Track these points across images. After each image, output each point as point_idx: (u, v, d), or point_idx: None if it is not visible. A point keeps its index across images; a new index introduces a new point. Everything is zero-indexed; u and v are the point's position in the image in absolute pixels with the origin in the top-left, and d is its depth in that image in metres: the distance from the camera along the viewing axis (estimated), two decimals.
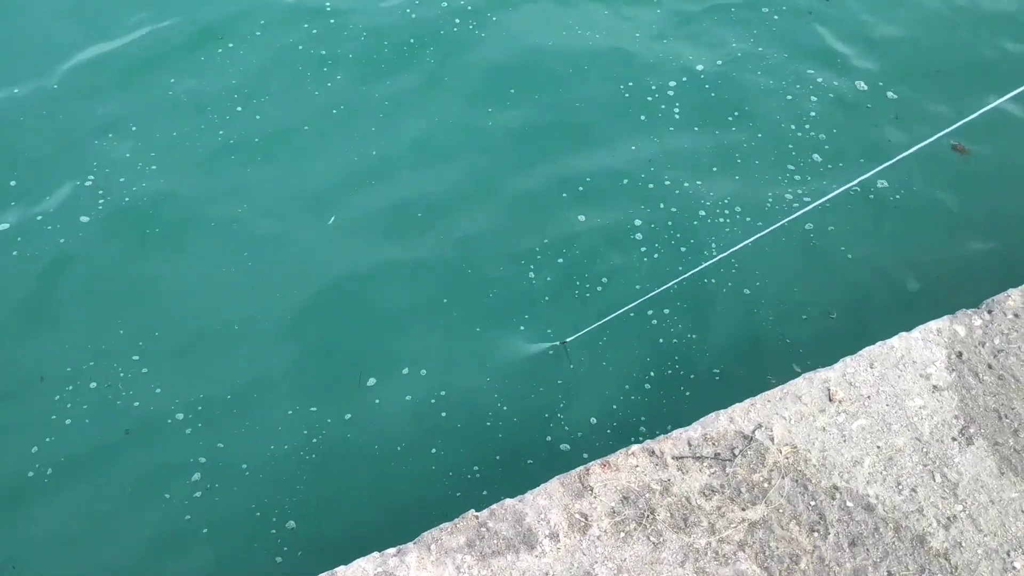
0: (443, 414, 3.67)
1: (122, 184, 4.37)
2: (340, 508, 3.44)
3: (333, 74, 4.90)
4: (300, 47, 5.01)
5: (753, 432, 2.83)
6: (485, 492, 3.45)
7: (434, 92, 4.83)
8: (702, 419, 2.88)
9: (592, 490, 2.72)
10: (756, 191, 4.42)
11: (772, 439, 2.81)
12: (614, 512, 2.67)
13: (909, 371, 2.98)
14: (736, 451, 2.79)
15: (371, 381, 3.76)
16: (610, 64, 5.00)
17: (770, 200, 4.38)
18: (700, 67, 5.01)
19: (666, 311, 3.97)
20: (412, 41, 5.08)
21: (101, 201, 4.31)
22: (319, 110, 4.71)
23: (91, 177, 4.39)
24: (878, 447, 2.80)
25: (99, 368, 3.76)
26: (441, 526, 2.66)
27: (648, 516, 2.66)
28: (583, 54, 5.05)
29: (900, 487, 2.72)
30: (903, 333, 3.08)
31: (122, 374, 3.74)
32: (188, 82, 4.81)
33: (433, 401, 3.70)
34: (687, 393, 3.72)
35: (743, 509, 2.67)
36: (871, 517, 2.66)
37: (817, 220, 4.29)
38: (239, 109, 4.70)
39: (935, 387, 2.94)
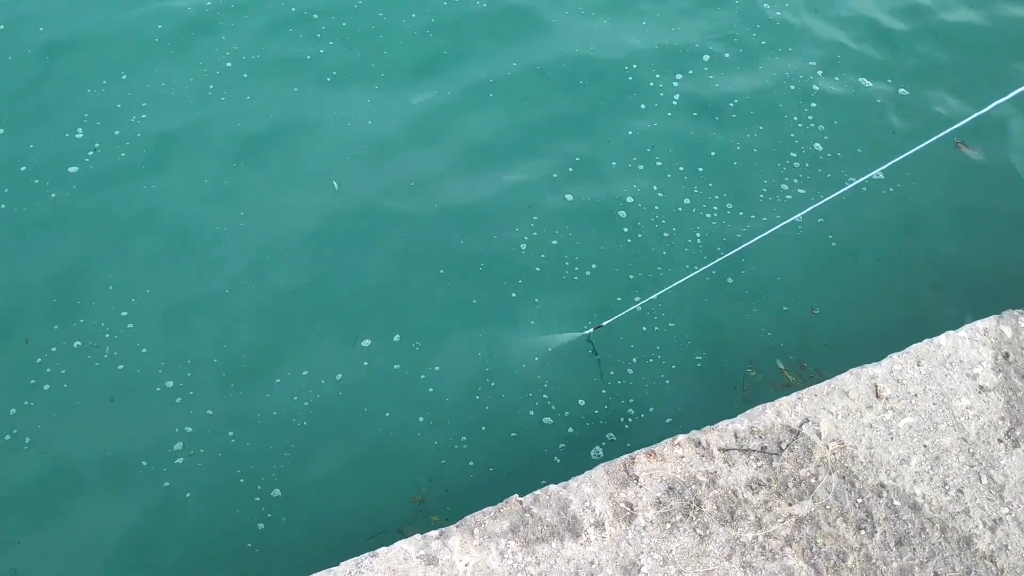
0: (430, 389, 3.58)
1: (115, 136, 4.27)
2: (328, 476, 3.38)
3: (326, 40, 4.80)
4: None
5: (800, 426, 2.79)
6: (471, 463, 3.40)
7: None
8: (748, 411, 2.84)
9: (637, 479, 2.67)
10: (750, 183, 4.35)
11: (819, 434, 2.78)
12: (660, 502, 2.63)
13: (956, 370, 2.95)
14: (783, 445, 2.75)
15: (366, 342, 3.69)
16: (613, 54, 4.88)
17: (764, 191, 4.31)
18: (706, 57, 4.90)
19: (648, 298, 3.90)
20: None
21: (91, 153, 4.20)
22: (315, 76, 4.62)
23: (80, 130, 4.28)
24: (925, 446, 2.78)
25: (86, 327, 3.66)
26: (484, 510, 2.61)
27: (694, 508, 2.62)
28: (585, 41, 4.93)
29: (947, 487, 2.70)
30: (950, 332, 3.04)
31: (108, 335, 3.64)
32: None
33: (423, 376, 3.62)
34: (667, 381, 3.66)
35: (790, 504, 2.64)
36: (918, 516, 2.64)
37: (808, 214, 4.19)
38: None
39: (981, 387, 2.91)
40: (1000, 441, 2.80)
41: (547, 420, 3.53)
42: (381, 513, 3.27)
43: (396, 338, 3.71)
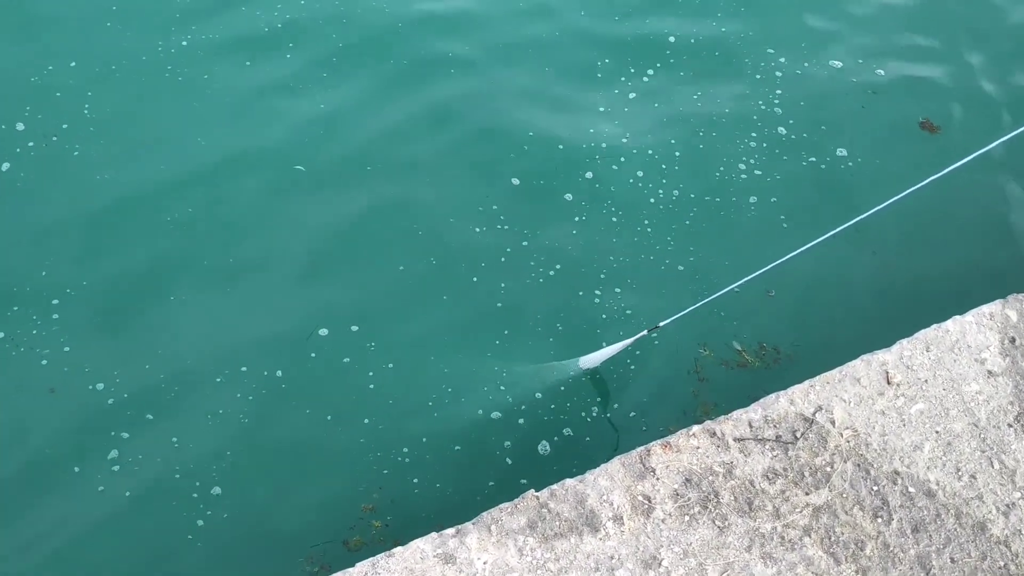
0: (371, 386, 3.48)
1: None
2: (270, 473, 3.28)
3: None
4: None
5: (814, 415, 2.78)
6: (416, 479, 3.27)
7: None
8: (762, 400, 2.82)
9: (654, 472, 2.64)
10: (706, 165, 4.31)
11: (833, 422, 2.77)
12: (677, 495, 2.60)
13: (964, 355, 2.95)
14: (798, 434, 2.74)
15: (323, 331, 3.59)
16: (583, 36, 4.81)
17: (720, 170, 4.26)
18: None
19: (610, 282, 3.87)
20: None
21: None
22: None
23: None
24: (937, 432, 2.78)
25: (13, 318, 3.50)
26: (501, 506, 2.56)
27: (712, 499, 2.59)
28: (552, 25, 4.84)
29: (960, 473, 2.71)
30: (957, 317, 3.05)
31: (35, 331, 3.48)
32: None
33: (371, 373, 3.52)
34: (632, 366, 3.61)
35: (807, 493, 2.63)
36: (932, 503, 2.64)
37: (761, 193, 4.17)
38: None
39: (990, 372, 2.92)
40: (1010, 426, 2.81)
41: (495, 415, 3.47)
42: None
43: (354, 328, 3.61)
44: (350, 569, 2.42)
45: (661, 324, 3.13)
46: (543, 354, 3.61)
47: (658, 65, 4.65)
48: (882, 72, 4.75)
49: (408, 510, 3.18)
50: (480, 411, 3.44)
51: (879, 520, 2.59)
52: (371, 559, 2.44)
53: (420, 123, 4.33)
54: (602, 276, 3.85)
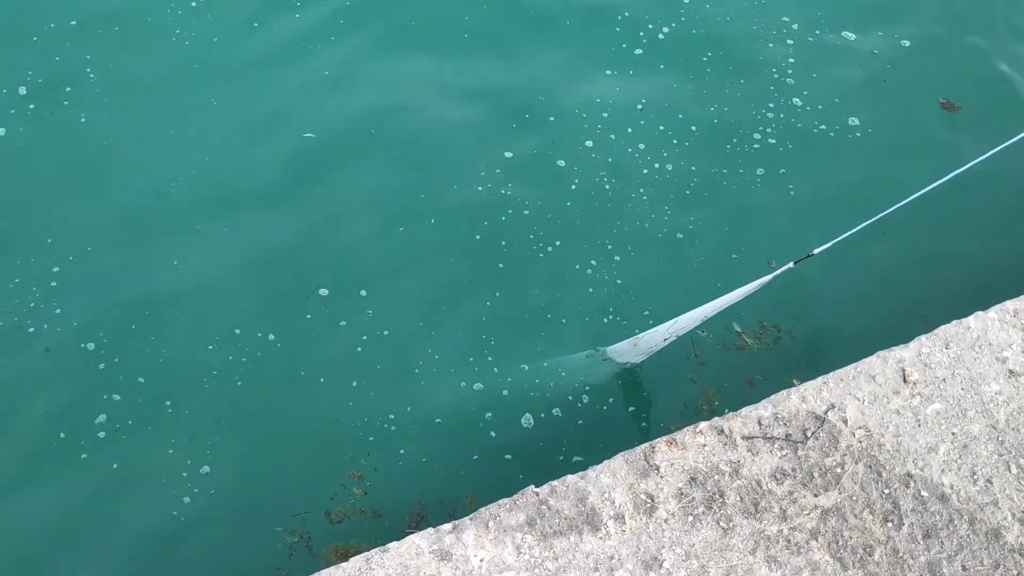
0: (358, 349, 3.47)
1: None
2: (257, 440, 3.30)
3: None
4: None
5: (825, 413, 2.69)
6: (402, 451, 3.28)
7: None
8: (772, 397, 2.73)
9: (658, 469, 2.56)
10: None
11: (845, 421, 2.68)
12: (681, 494, 2.53)
13: (985, 353, 2.84)
14: (808, 433, 2.65)
15: (323, 291, 3.57)
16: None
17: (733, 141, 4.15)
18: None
19: (605, 252, 3.79)
20: None
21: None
22: None
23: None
24: (953, 434, 2.68)
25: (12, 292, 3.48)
26: (499, 502, 2.49)
27: (717, 499, 2.52)
28: None
29: (975, 477, 2.61)
30: (979, 312, 2.93)
31: (32, 304, 3.46)
32: None
33: (365, 337, 3.50)
34: (628, 328, 3.57)
35: (815, 495, 2.55)
36: (946, 508, 2.56)
37: (768, 163, 4.06)
38: None
39: (1011, 372, 2.81)
40: None
41: (478, 386, 3.45)
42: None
43: (363, 293, 3.59)
44: (344, 564, 2.38)
45: (815, 252, 2.75)
46: (540, 332, 3.59)
47: (668, 29, 4.48)
48: (907, 43, 4.55)
49: (390, 480, 3.21)
50: (463, 383, 3.43)
51: (889, 524, 2.51)
52: (365, 555, 2.39)
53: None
54: (599, 245, 3.79)
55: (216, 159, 3.87)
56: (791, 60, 4.42)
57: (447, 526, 2.45)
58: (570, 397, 3.43)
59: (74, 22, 4.16)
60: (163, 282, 3.55)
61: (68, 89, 3.96)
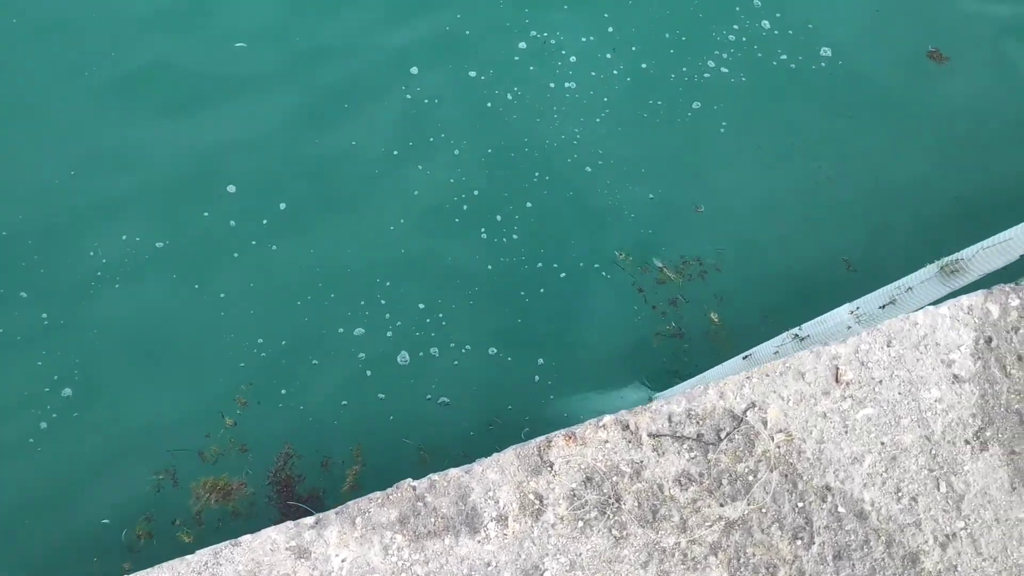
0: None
1: None
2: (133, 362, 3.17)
3: None
4: None
5: (744, 412, 2.43)
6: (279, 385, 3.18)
7: None
8: (688, 391, 2.46)
9: (552, 467, 2.32)
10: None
11: (765, 423, 2.42)
12: (574, 495, 2.29)
13: (930, 354, 2.57)
14: (722, 434, 2.40)
15: (231, 188, 3.40)
16: None
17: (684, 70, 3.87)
18: None
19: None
20: None
21: None
22: None
23: None
24: (882, 443, 2.44)
25: None
26: (370, 496, 2.25)
27: (612, 504, 2.28)
28: None
29: (900, 494, 2.38)
30: (929, 308, 2.64)
31: None
32: None
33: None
34: (541, 289, 3.41)
35: (721, 505, 2.31)
36: (863, 527, 2.33)
37: (705, 98, 3.81)
38: None
39: (956, 377, 2.55)
40: (967, 442, 2.47)
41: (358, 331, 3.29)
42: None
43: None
44: (188, 557, 2.14)
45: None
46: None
47: None
48: None
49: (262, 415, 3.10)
50: (349, 312, 3.31)
51: (798, 543, 2.29)
52: (213, 547, 2.15)
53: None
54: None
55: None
56: None
57: (308, 520, 2.21)
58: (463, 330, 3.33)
59: None
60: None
61: None
